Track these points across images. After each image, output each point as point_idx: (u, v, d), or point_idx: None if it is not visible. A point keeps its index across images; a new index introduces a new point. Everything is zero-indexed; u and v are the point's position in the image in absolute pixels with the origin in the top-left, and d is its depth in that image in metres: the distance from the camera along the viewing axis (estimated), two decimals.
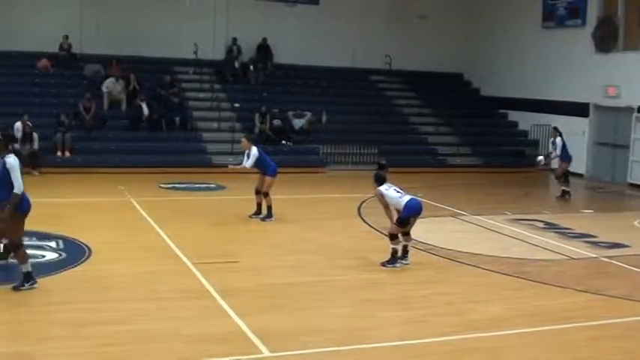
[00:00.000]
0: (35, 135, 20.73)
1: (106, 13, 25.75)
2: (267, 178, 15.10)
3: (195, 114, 25.09)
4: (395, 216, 11.73)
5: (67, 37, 25.32)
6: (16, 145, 19.52)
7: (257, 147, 15.30)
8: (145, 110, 23.55)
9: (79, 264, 11.21)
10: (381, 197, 11.79)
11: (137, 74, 24.94)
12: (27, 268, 9.71)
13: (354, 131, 25.36)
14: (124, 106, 24.22)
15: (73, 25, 25.62)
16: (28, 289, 9.65)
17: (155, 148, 22.83)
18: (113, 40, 25.47)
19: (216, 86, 26.52)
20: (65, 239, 12.61)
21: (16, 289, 9.62)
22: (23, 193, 9.65)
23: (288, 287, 10.59)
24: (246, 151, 15.23)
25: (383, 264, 11.63)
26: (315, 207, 17.58)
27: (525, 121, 27.44)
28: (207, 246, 13.00)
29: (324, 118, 25.84)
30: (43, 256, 11.57)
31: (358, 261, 12.07)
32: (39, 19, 25.09)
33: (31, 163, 20.20)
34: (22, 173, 9.84)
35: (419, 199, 12.08)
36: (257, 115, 24.60)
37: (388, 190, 11.74)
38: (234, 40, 27.32)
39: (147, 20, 26.14)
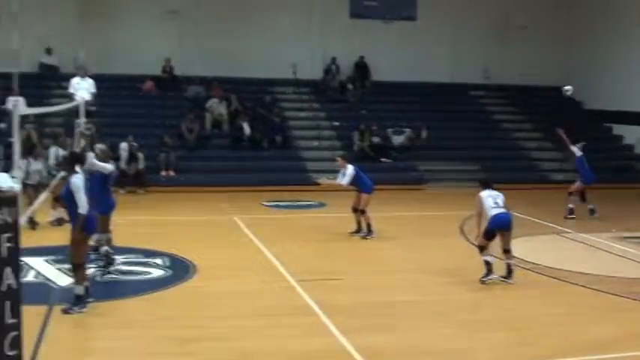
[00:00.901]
0: (140, 155, 21.33)
1: (206, 36, 26.34)
2: (364, 196, 15.15)
3: (296, 133, 25.36)
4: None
5: (169, 59, 26.01)
6: (122, 165, 20.19)
7: (353, 165, 15.35)
8: (247, 130, 23.96)
9: (184, 281, 11.44)
10: (479, 201, 11.67)
11: (238, 94, 25.38)
12: (80, 290, 9.67)
13: (454, 147, 25.12)
14: (225, 126, 24.67)
15: (175, 48, 26.33)
16: (77, 312, 9.58)
17: (257, 166, 23.16)
18: (214, 61, 26.00)
19: (315, 105, 26.75)
20: (171, 256, 12.89)
21: (64, 311, 9.58)
22: (90, 213, 9.64)
23: (391, 306, 10.51)
24: (342, 170, 15.32)
25: (481, 280, 11.47)
26: (416, 225, 17.44)
27: (631, 134, 26.60)
28: (310, 263, 13.05)
29: (423, 135, 25.68)
30: (150, 273, 11.87)
31: (460, 280, 11.90)
32: (143, 43, 25.90)
33: (136, 182, 20.86)
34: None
35: (509, 213, 11.81)
36: (356, 132, 24.68)
37: (487, 198, 11.62)
38: (333, 59, 27.54)
39: (246, 41, 26.58)
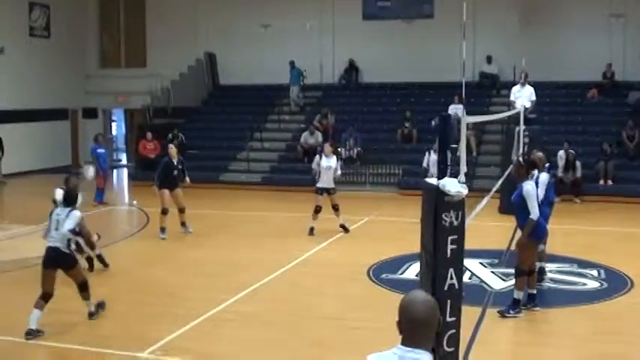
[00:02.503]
0: (578, 163, 20.93)
1: None
2: None
3: None
4: None
5: (610, 64, 25.19)
6: (559, 173, 20.01)
7: None
8: None
9: (621, 295, 10.99)
10: None
11: None
12: (519, 295, 9.69)
13: None
14: None
15: (617, 53, 25.42)
16: (512, 316, 9.64)
17: None
18: None
19: None
20: (606, 269, 12.46)
21: (500, 314, 9.72)
22: (539, 220, 9.68)
23: None
24: None
25: None
26: None
27: None
28: None
29: None
30: (585, 284, 11.61)
31: None
32: (583, 48, 25.41)
33: (572, 191, 20.51)
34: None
35: None
36: None
37: None
38: None
39: None
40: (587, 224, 17.37)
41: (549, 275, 11.80)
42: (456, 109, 21.12)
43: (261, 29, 28.54)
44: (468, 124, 18.34)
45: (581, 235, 15.88)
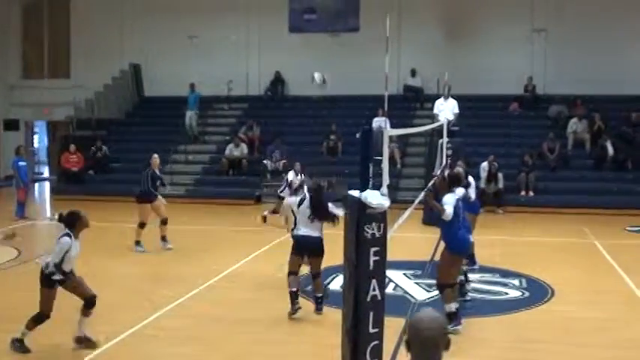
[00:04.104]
0: (500, 175, 21.35)
1: (569, 53, 25.69)
2: None
3: None
4: None
5: (531, 78, 25.81)
6: (481, 184, 20.36)
7: None
8: (610, 150, 22.90)
9: (541, 303, 11.22)
10: None
11: (602, 113, 24.33)
12: (450, 308, 9.53)
13: None
14: (588, 146, 23.82)
15: (537, 67, 26.08)
16: (450, 331, 9.48)
17: (621, 189, 21.99)
18: (577, 79, 25.21)
19: None
20: (528, 278, 12.73)
21: None
22: (463, 235, 9.74)
23: None
24: None
25: None
26: None
27: None
28: None
29: None
30: (506, 293, 11.83)
31: None
32: (505, 62, 25.97)
33: (495, 202, 20.89)
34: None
35: None
36: None
37: None
38: None
39: (612, 58, 25.45)
40: (509, 234, 17.73)
41: (472, 285, 11.96)
42: (379, 122, 21.29)
43: (188, 40, 28.32)
44: (391, 137, 18.48)
45: (503, 245, 16.18)
